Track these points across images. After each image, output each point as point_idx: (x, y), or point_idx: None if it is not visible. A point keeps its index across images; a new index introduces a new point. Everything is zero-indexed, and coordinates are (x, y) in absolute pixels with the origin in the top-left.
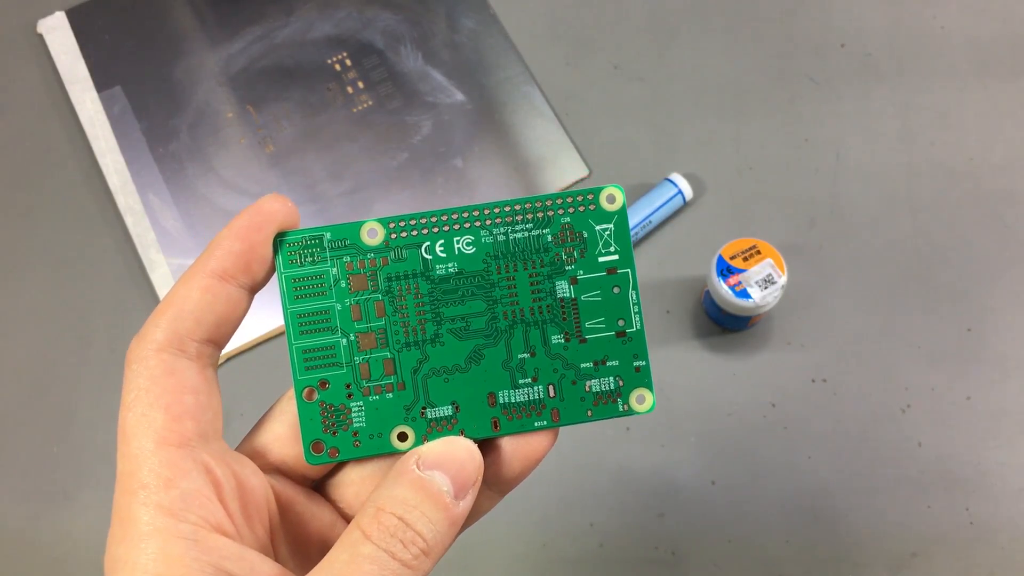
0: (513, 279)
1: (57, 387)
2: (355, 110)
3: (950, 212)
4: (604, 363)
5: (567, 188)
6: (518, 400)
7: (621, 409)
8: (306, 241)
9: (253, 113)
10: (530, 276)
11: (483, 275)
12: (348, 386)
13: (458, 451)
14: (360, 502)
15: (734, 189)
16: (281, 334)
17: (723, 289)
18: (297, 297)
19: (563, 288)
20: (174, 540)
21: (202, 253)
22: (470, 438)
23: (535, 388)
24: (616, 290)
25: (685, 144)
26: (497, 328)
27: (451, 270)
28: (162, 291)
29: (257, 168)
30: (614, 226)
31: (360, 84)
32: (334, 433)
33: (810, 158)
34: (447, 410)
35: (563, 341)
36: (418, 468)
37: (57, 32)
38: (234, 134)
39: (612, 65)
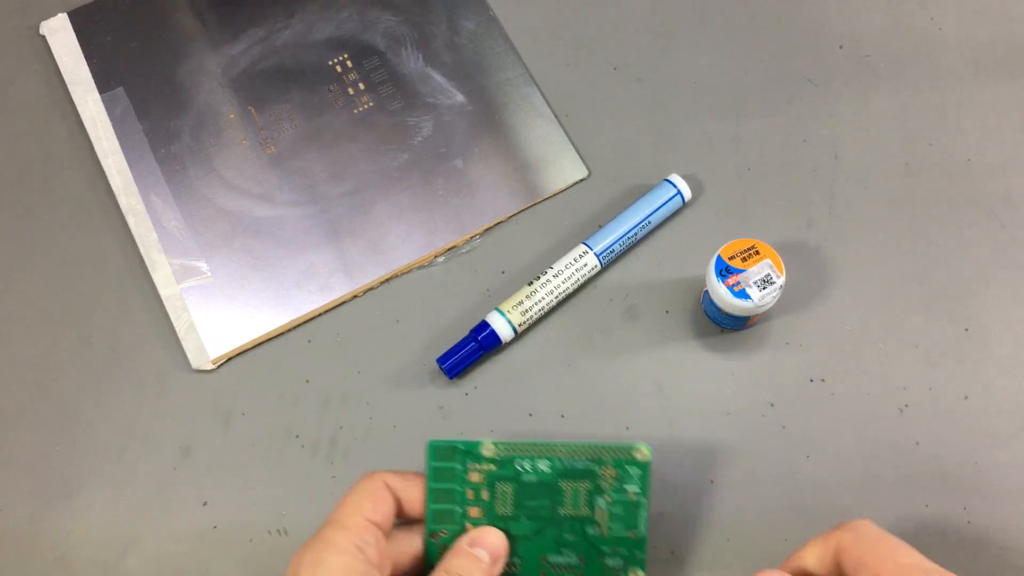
0: (571, 490)
1: (59, 387)
2: (356, 111)
3: (948, 212)
4: (616, 550)
5: (565, 188)
6: (559, 562)
7: None
8: (446, 448)
9: (254, 114)
10: (582, 490)
11: (552, 485)
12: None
13: (493, 537)
14: None
15: (733, 190)
16: (283, 333)
17: (722, 289)
18: (436, 479)
19: (600, 502)
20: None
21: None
22: None
23: (571, 556)
24: (634, 509)
25: (684, 145)
26: (556, 517)
27: (533, 479)
28: (163, 291)
29: (258, 169)
30: (640, 470)
31: (361, 85)
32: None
33: (809, 159)
34: (516, 560)
35: (595, 533)
36: (469, 547)
37: (60, 34)
38: (236, 135)
39: (612, 66)
